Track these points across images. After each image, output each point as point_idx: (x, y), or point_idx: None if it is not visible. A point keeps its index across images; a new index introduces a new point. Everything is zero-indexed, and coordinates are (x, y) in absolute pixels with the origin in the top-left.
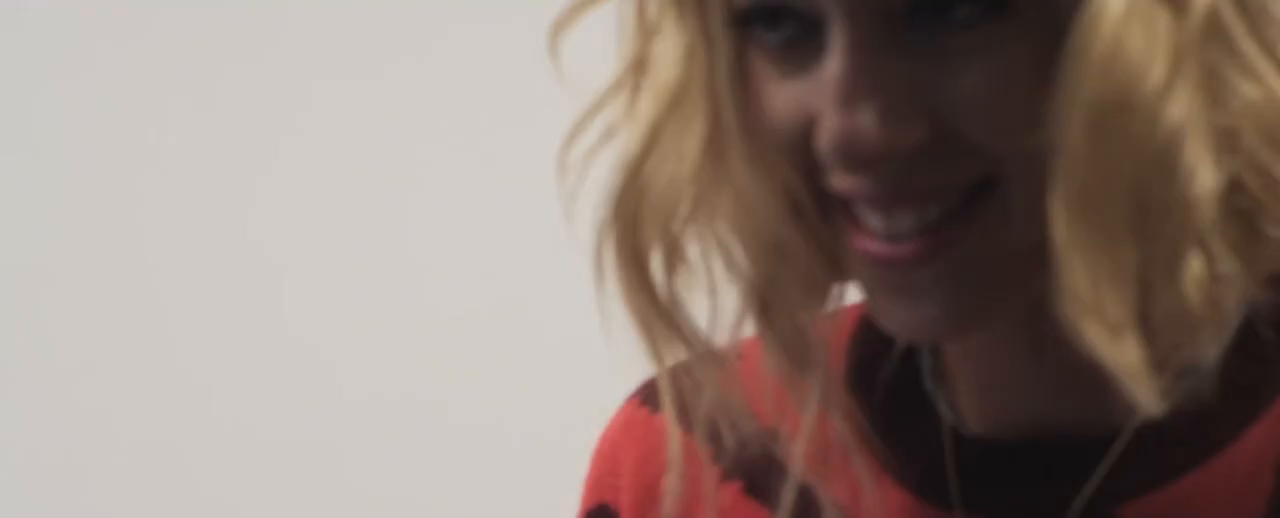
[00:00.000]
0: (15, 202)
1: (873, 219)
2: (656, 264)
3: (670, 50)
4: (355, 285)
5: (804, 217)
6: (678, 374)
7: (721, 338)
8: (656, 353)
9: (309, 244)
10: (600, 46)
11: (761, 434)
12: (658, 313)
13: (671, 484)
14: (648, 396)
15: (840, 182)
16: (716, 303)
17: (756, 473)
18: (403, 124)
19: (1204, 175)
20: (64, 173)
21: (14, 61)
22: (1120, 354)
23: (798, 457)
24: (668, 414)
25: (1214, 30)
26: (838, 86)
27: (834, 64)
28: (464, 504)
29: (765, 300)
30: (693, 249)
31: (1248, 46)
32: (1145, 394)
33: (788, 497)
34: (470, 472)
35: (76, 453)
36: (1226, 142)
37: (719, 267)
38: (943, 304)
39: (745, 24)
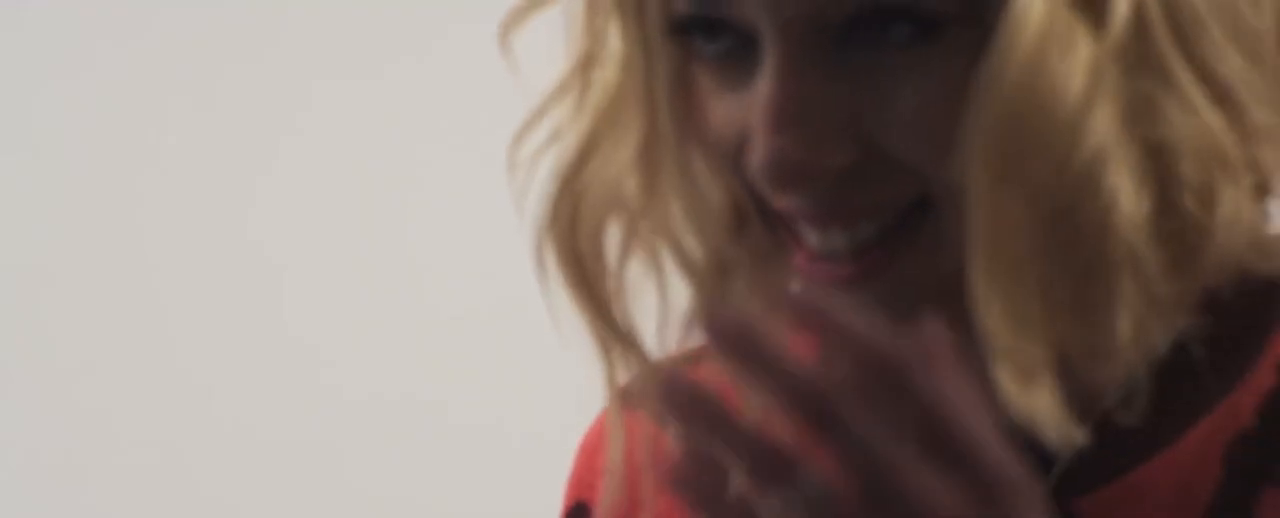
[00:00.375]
0: (15, 202)
1: (810, 236)
2: (599, 267)
3: (612, 55)
4: (355, 285)
5: (748, 228)
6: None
7: (670, 342)
8: (606, 355)
9: (309, 244)
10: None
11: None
12: (602, 316)
13: (609, 485)
14: (628, 394)
15: (775, 199)
16: (665, 307)
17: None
18: (403, 124)
19: (1127, 200)
20: (64, 173)
21: (14, 61)
22: (1032, 402)
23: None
24: (610, 414)
25: (1141, 52)
26: (766, 108)
27: (764, 84)
28: (464, 504)
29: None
30: (638, 254)
31: (1178, 69)
32: (1061, 438)
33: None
34: (470, 472)
35: (76, 453)
36: (1155, 165)
37: (666, 272)
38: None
39: (684, 33)
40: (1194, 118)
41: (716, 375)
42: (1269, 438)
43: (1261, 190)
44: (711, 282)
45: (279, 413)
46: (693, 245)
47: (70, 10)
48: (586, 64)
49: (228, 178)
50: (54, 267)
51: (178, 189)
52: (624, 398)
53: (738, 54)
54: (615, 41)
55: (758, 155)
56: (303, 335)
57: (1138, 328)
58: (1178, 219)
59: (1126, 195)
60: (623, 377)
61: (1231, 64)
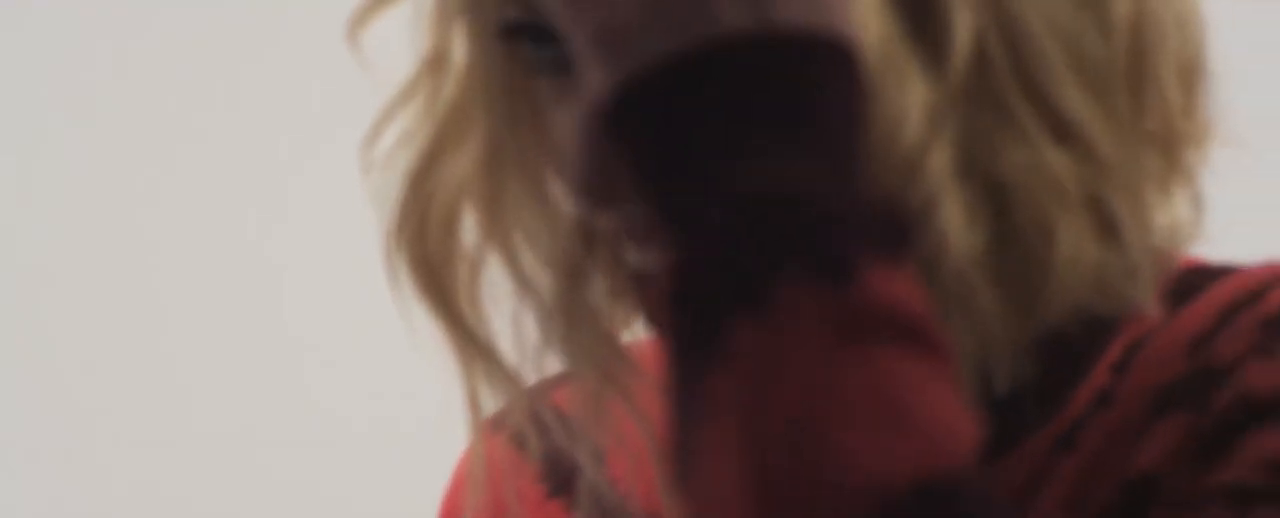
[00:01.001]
0: (15, 202)
1: (630, 253)
2: (452, 275)
3: (457, 57)
4: (355, 285)
5: (599, 241)
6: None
7: (526, 355)
8: (464, 366)
9: (309, 244)
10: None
11: (571, 447)
12: (456, 325)
13: (471, 500)
14: (498, 419)
15: (594, 216)
16: (520, 318)
17: (577, 490)
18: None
19: (958, 238)
20: (64, 173)
21: (14, 61)
22: None
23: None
24: (472, 424)
25: (981, 86)
26: (580, 125)
27: (579, 99)
28: None
29: (564, 320)
30: (491, 263)
31: (1018, 104)
32: None
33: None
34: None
35: (76, 453)
36: (991, 201)
37: (517, 281)
38: None
39: (515, 40)
40: (1033, 154)
41: (574, 400)
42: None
43: (1108, 230)
44: (564, 288)
45: (279, 413)
46: (543, 252)
47: (70, 10)
48: (434, 64)
49: (228, 178)
50: (54, 267)
51: (178, 189)
52: (492, 424)
53: (568, 64)
54: (460, 43)
55: (571, 171)
56: (303, 336)
57: (971, 369)
58: (1017, 258)
59: (957, 233)
60: (483, 387)
61: (1075, 99)
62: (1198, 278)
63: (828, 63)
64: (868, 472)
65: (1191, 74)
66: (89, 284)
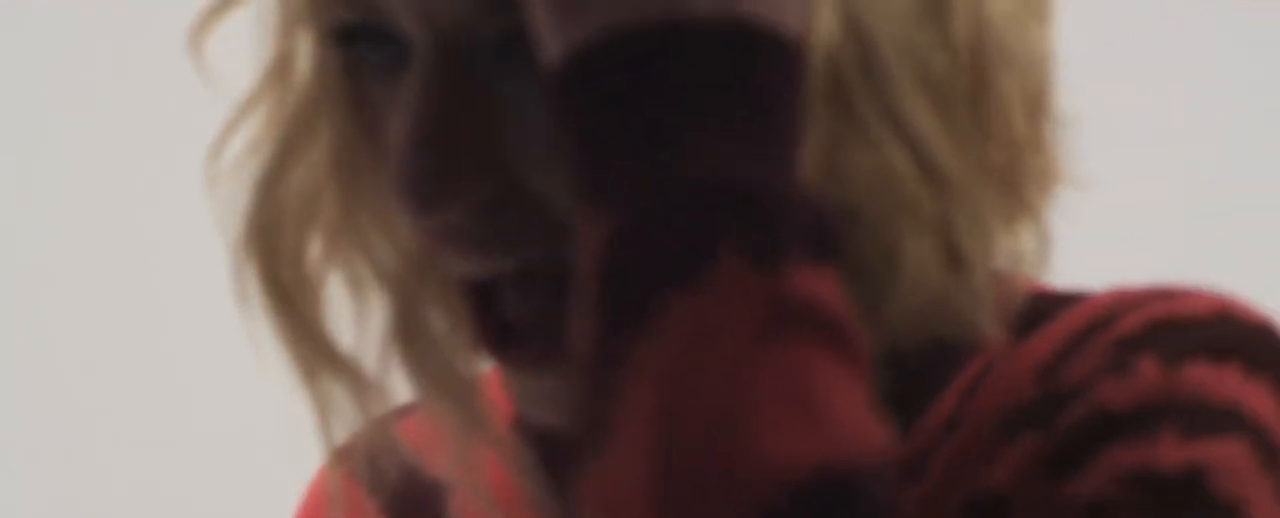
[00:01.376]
0: (15, 202)
1: (455, 263)
2: (303, 288)
3: (301, 63)
4: None
5: (436, 256)
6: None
7: (372, 373)
8: (310, 385)
9: None
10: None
11: (416, 481)
12: (306, 340)
13: None
14: (340, 450)
15: (416, 222)
16: (364, 327)
17: None
18: None
19: None
20: (64, 173)
21: (14, 61)
22: None
23: (462, 505)
24: (325, 453)
25: (832, 93)
26: (402, 126)
27: (405, 100)
28: None
29: (408, 339)
30: (339, 272)
31: (867, 111)
32: None
33: None
34: None
35: (76, 453)
36: (844, 217)
37: (359, 298)
38: (563, 409)
39: (351, 42)
40: (881, 161)
41: (421, 431)
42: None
43: (953, 254)
44: (409, 298)
45: (279, 413)
46: (387, 261)
47: (70, 10)
48: (278, 72)
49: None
50: (54, 267)
51: (178, 189)
52: (341, 456)
53: (402, 67)
54: (302, 48)
55: (392, 174)
56: None
57: None
58: (860, 276)
59: None
60: (333, 404)
61: (919, 109)
62: (1046, 304)
63: (780, 60)
64: (775, 456)
65: (1037, 107)
66: (89, 284)
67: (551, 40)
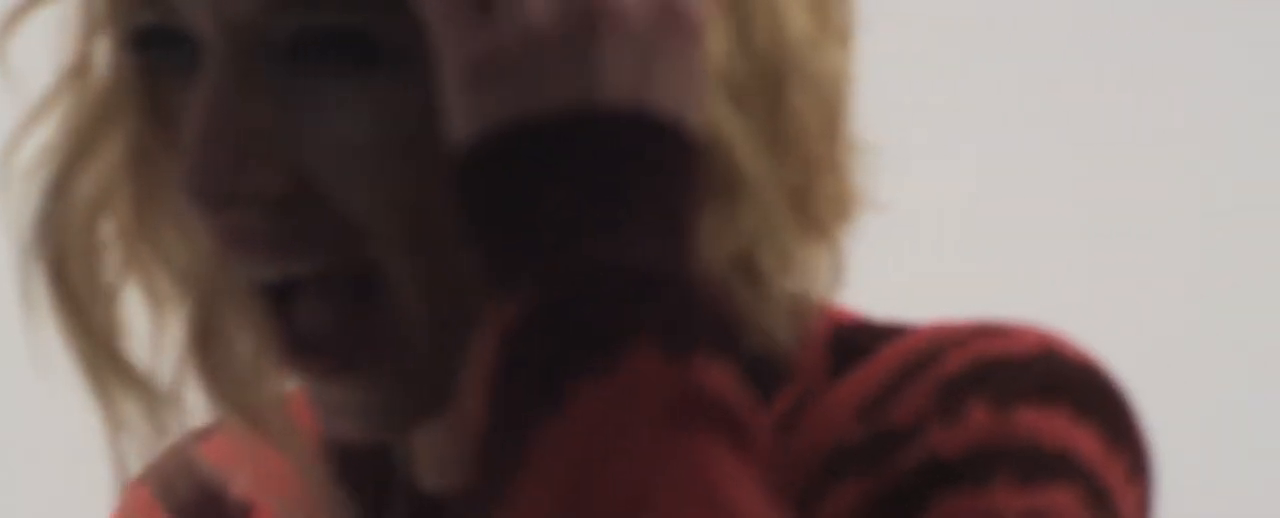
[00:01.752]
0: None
1: (241, 264)
2: (94, 294)
3: (98, 64)
4: None
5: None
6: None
7: (167, 387)
8: (101, 398)
9: None
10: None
11: (218, 500)
12: (97, 349)
13: None
14: (144, 470)
15: (203, 221)
16: (160, 337)
17: None
18: None
19: None
20: None
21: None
22: None
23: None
24: (115, 471)
25: None
26: (192, 122)
27: (196, 96)
28: None
29: (206, 351)
30: (134, 280)
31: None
32: None
33: None
34: None
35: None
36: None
37: (155, 308)
38: (363, 420)
39: (147, 45)
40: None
41: (224, 451)
42: None
43: (749, 268)
44: (207, 308)
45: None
46: (186, 269)
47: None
48: (77, 72)
49: None
50: None
51: None
52: (143, 476)
53: (198, 69)
54: (101, 52)
55: (181, 169)
56: None
57: None
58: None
59: None
60: (125, 420)
61: (723, 110)
62: (861, 336)
63: (681, 149)
64: None
65: (834, 128)
66: None
67: (461, 122)
